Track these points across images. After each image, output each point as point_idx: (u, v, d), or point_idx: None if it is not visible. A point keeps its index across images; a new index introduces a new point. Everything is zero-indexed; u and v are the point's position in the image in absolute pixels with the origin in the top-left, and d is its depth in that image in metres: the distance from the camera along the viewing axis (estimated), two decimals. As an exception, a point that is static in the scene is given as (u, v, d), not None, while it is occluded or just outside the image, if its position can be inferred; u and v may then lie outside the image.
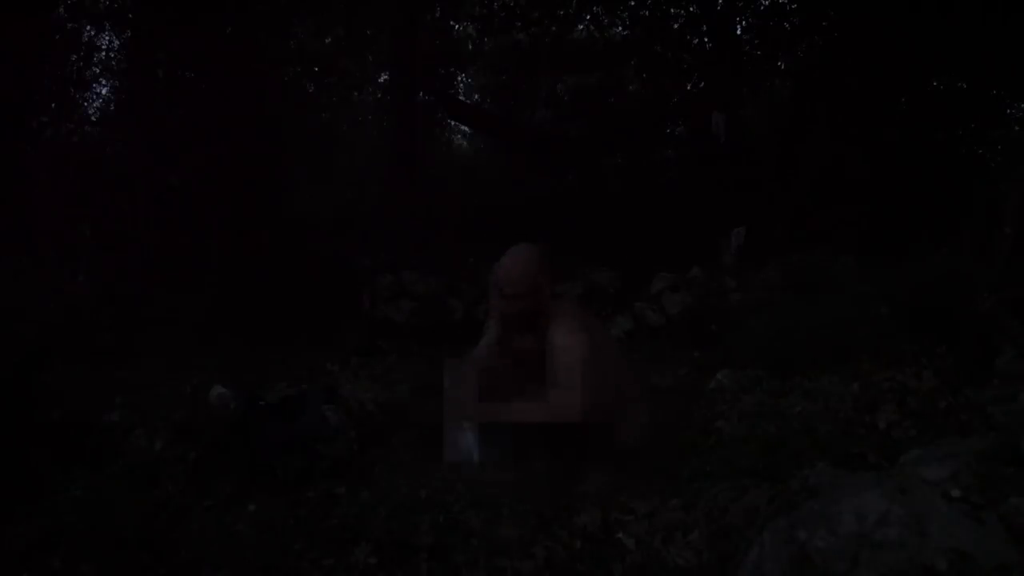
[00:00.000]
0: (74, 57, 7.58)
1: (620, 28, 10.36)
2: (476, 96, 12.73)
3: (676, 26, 9.37)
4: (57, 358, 3.69)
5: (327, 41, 10.03)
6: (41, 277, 5.54)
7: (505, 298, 2.74)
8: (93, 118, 8.00)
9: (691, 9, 9.25)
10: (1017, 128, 8.69)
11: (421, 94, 9.82)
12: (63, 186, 6.46)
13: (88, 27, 7.70)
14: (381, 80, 11.42)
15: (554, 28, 10.05)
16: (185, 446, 2.71)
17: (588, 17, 10.18)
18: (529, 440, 2.64)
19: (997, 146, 8.64)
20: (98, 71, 7.93)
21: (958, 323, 3.06)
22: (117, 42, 7.88)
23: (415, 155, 8.89)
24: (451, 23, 10.97)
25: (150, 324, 5.27)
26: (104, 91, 8.17)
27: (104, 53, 7.90)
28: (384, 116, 10.93)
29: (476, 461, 2.67)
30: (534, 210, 7.99)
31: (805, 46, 8.76)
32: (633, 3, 9.53)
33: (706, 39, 9.14)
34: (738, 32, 8.92)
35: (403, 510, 2.17)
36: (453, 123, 12.30)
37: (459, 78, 12.31)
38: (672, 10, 9.35)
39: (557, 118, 11.34)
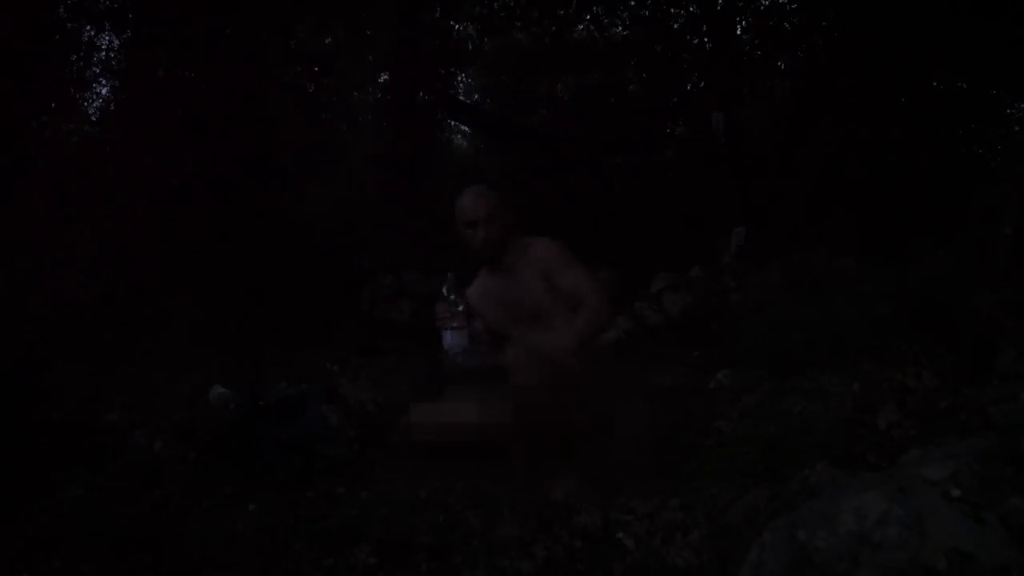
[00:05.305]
0: (74, 57, 7.59)
1: (620, 28, 10.37)
2: (476, 96, 12.71)
3: (676, 26, 9.37)
4: (57, 358, 3.69)
5: (327, 41, 10.02)
6: (41, 277, 5.54)
7: (465, 229, 2.78)
8: (93, 118, 8.00)
9: (691, 9, 9.25)
10: (1017, 128, 8.69)
11: (421, 94, 9.80)
12: (63, 186, 6.45)
13: (88, 27, 7.71)
14: (381, 80, 11.41)
15: (554, 28, 10.05)
16: (185, 446, 2.72)
17: (588, 17, 10.18)
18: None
19: (997, 146, 8.64)
20: (98, 71, 7.94)
21: (958, 323, 3.05)
22: (117, 42, 7.89)
23: (415, 155, 8.88)
24: (451, 23, 10.95)
25: (150, 324, 5.27)
26: (104, 91, 8.19)
27: (104, 53, 7.92)
28: (384, 116, 10.91)
29: (461, 360, 2.79)
30: (534, 210, 7.98)
31: (805, 46, 8.76)
32: (633, 3, 9.54)
33: (706, 39, 9.13)
34: (738, 32, 8.92)
35: (403, 510, 2.17)
36: (453, 123, 12.29)
37: (459, 78, 12.29)
38: (672, 10, 9.36)
39: (557, 118, 11.33)
